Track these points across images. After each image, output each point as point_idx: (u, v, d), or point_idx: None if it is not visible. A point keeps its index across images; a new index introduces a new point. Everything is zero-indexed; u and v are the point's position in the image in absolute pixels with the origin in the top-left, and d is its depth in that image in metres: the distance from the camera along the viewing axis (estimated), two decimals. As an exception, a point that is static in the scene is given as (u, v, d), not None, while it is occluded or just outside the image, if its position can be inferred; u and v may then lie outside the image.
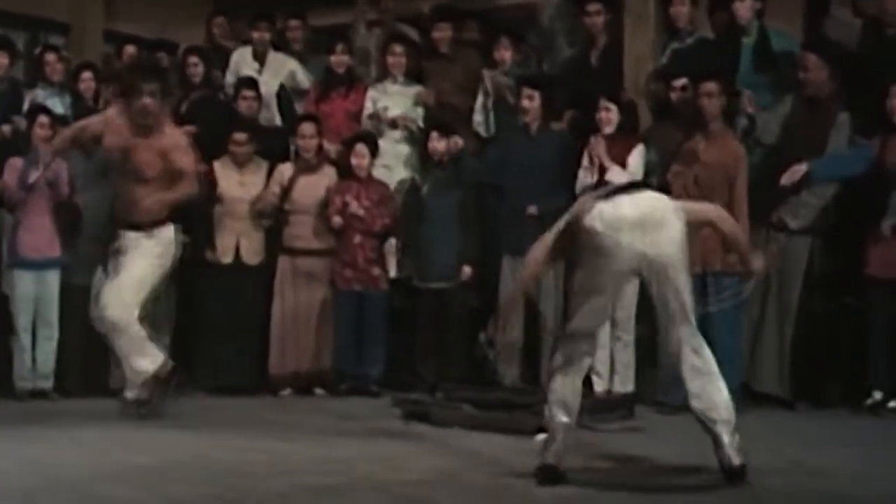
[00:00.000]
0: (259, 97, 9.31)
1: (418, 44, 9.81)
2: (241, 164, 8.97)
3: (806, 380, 7.70)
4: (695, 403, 5.09)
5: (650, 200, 5.15)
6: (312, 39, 10.15)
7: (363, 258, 8.75)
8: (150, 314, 8.71)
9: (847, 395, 7.65)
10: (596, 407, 6.64)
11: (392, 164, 9.14)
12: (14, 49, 9.70)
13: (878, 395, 7.39)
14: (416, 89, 9.26)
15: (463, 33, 9.62)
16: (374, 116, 9.19)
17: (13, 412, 7.77)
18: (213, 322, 8.86)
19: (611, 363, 7.92)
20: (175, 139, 7.45)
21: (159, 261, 7.43)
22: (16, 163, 8.54)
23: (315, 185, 8.86)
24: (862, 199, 7.59)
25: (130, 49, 9.82)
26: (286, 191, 8.85)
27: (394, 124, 9.14)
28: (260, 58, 9.76)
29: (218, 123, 9.05)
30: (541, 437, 5.20)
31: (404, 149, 9.21)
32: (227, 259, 8.88)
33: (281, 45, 9.94)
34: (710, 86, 7.59)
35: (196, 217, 8.78)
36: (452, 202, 8.68)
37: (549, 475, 5.09)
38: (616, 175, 7.54)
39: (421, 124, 9.15)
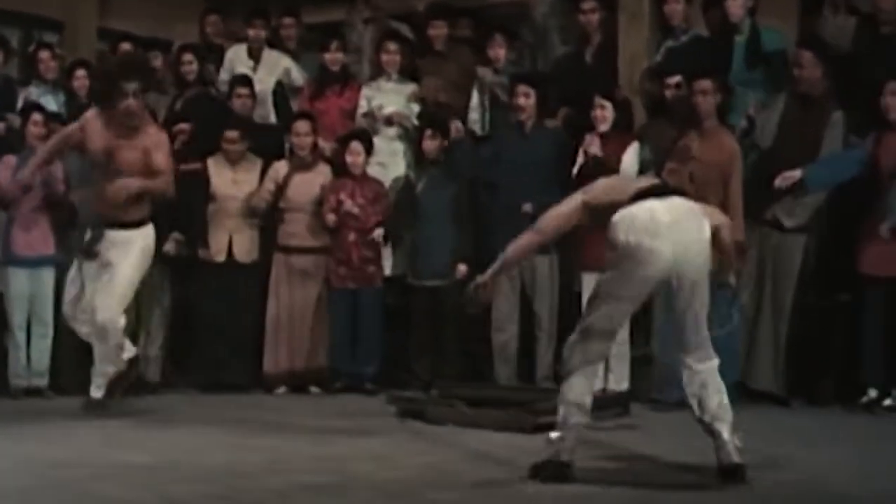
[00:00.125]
0: (253, 95, 9.31)
1: (412, 41, 9.81)
2: (234, 162, 8.96)
3: (800, 377, 7.72)
4: (696, 403, 5.10)
5: (682, 205, 5.08)
6: (306, 37, 10.15)
7: (358, 256, 8.75)
8: (146, 318, 8.79)
9: (840, 391, 7.67)
10: (591, 405, 6.63)
11: (387, 161, 9.13)
12: (8, 46, 9.69)
13: (872, 393, 7.41)
14: (410, 87, 9.26)
15: (456, 31, 9.62)
16: (369, 115, 9.18)
17: (8, 410, 7.75)
18: (208, 320, 8.87)
19: (605, 361, 7.90)
20: (156, 138, 7.38)
21: (144, 261, 7.40)
22: (10, 160, 8.53)
23: (310, 183, 8.86)
24: (856, 197, 7.60)
25: (125, 46, 9.79)
26: (281, 188, 8.85)
27: (389, 121, 9.14)
28: (255, 55, 9.75)
29: (212, 121, 9.05)
30: (554, 434, 5.10)
31: (399, 146, 9.20)
32: (221, 257, 8.88)
33: (275, 42, 9.94)
34: (705, 83, 7.60)
35: (190, 215, 8.80)
36: (447, 200, 8.68)
37: (560, 472, 5.03)
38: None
39: (415, 122, 9.15)
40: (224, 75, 9.79)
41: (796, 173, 7.56)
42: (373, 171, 8.98)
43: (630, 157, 7.91)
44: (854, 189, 7.59)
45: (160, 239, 8.61)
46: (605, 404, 7.03)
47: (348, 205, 8.72)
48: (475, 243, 8.63)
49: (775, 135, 7.77)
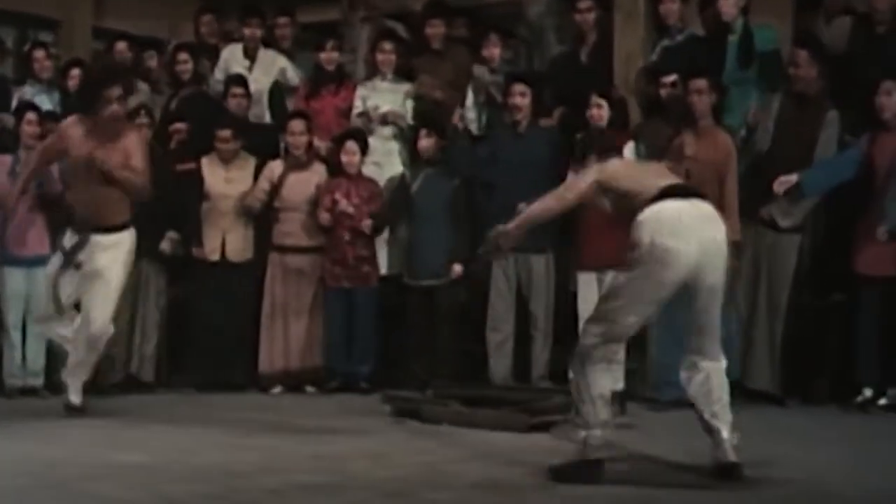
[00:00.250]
0: (248, 94, 9.30)
1: (407, 41, 9.80)
2: (227, 161, 8.96)
3: (796, 376, 7.72)
4: (700, 401, 5.11)
5: (704, 208, 5.05)
6: (301, 36, 10.14)
7: (353, 255, 8.74)
8: (141, 317, 8.79)
9: (835, 391, 7.68)
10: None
11: (382, 161, 9.12)
12: (3, 46, 9.68)
13: (867, 393, 7.41)
14: (405, 86, 9.25)
15: (452, 30, 9.62)
16: (364, 114, 9.17)
17: (3, 410, 7.74)
18: (204, 320, 8.86)
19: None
20: (135, 140, 7.40)
21: (130, 264, 7.43)
22: (4, 160, 8.52)
23: (305, 183, 8.86)
24: (851, 197, 7.60)
25: (121, 46, 9.79)
26: (276, 188, 8.85)
27: (384, 120, 9.13)
28: (251, 55, 9.74)
29: (207, 120, 9.05)
30: (582, 434, 5.04)
31: (394, 146, 9.20)
32: (215, 256, 8.87)
33: (269, 41, 9.93)
34: (700, 82, 7.61)
35: (185, 214, 8.80)
36: (443, 199, 8.67)
37: (590, 473, 4.98)
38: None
39: (410, 121, 9.14)
40: (219, 75, 9.77)
41: (793, 178, 7.57)
42: (368, 170, 8.97)
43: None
44: (849, 189, 7.59)
45: (156, 238, 8.64)
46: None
47: (343, 204, 8.71)
48: (471, 243, 8.58)
49: (772, 135, 7.78)
